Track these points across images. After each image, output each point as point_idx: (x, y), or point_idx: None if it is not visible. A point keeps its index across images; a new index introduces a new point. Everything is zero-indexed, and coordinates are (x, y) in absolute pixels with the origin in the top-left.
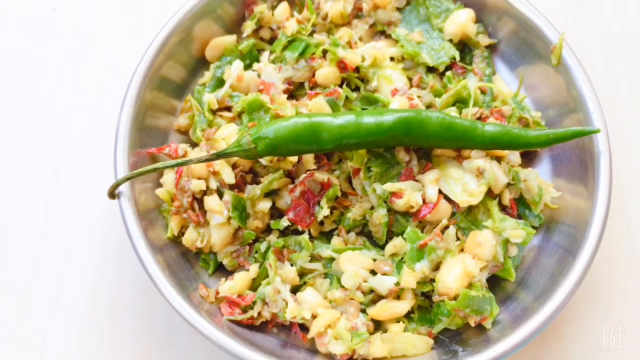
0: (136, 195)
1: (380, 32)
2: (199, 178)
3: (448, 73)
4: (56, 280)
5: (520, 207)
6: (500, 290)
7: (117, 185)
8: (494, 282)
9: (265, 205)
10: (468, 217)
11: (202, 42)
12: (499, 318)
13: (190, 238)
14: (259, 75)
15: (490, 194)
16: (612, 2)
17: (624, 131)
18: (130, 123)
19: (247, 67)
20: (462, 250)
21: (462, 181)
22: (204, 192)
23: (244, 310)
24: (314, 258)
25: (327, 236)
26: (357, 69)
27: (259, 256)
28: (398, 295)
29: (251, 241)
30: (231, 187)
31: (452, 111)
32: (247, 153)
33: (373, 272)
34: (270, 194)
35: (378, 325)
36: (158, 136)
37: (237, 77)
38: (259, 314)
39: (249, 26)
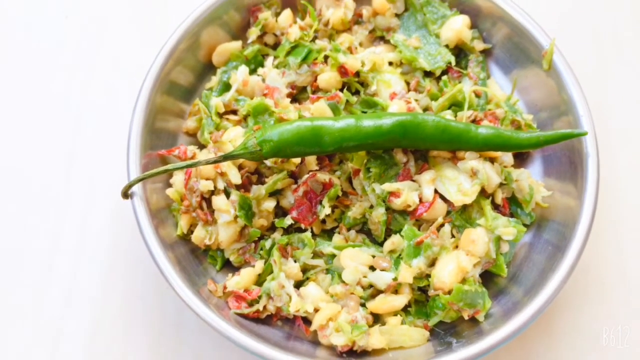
0: (148, 195)
1: (379, 37)
2: (207, 179)
3: (444, 77)
4: (69, 277)
5: (512, 205)
6: (493, 285)
7: (130, 185)
8: (487, 277)
9: (270, 204)
10: (462, 216)
11: (209, 48)
12: (492, 311)
13: (199, 236)
14: (263, 80)
15: (483, 193)
16: (603, 7)
17: (613, 133)
18: (142, 126)
19: (252, 72)
20: (456, 247)
21: (457, 181)
22: (212, 192)
23: (250, 304)
24: (316, 255)
25: (328, 234)
26: (357, 74)
27: (264, 253)
28: (396, 290)
29: (257, 239)
30: (237, 187)
31: (448, 114)
32: (252, 155)
33: (372, 268)
34: (275, 193)
35: (377, 318)
36: (167, 138)
37: (243, 82)
38: (265, 307)
39: (253, 32)
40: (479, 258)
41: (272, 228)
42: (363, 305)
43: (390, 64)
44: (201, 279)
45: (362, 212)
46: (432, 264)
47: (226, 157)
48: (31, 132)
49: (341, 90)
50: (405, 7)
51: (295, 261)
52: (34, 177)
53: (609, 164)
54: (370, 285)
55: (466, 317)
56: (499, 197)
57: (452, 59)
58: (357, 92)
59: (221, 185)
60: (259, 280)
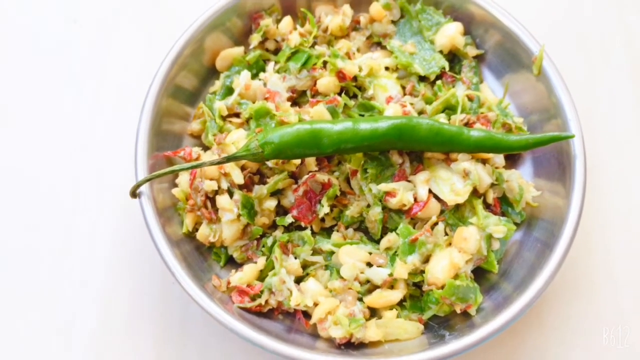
0: (155, 195)
1: (376, 43)
2: (211, 179)
3: (438, 82)
4: (80, 272)
5: (503, 205)
6: (484, 281)
7: (138, 185)
8: (479, 273)
9: (271, 203)
10: (455, 215)
11: (212, 53)
12: (483, 306)
13: (204, 233)
14: (265, 84)
15: (475, 193)
16: (592, 15)
17: (602, 137)
18: (149, 128)
19: (254, 76)
20: (449, 244)
21: (450, 182)
22: (216, 192)
23: (253, 299)
24: (315, 252)
25: (327, 232)
26: (354, 78)
27: (265, 250)
28: (392, 285)
29: (259, 236)
30: (240, 187)
31: (442, 117)
32: (255, 156)
33: (369, 265)
34: (276, 193)
35: (373, 312)
36: (173, 140)
37: (245, 86)
38: (266, 302)
39: (255, 38)
40: (471, 255)
41: (274, 226)
42: (360, 299)
43: (387, 69)
44: (206, 275)
45: (359, 211)
46: (426, 260)
47: (229, 159)
48: (43, 134)
49: (339, 94)
50: (401, 14)
51: (295, 258)
52: (46, 177)
53: (598, 167)
54: (367, 281)
55: (458, 311)
56: (491, 197)
57: (446, 64)
58: (354, 96)
59: (225, 185)
60: (261, 276)
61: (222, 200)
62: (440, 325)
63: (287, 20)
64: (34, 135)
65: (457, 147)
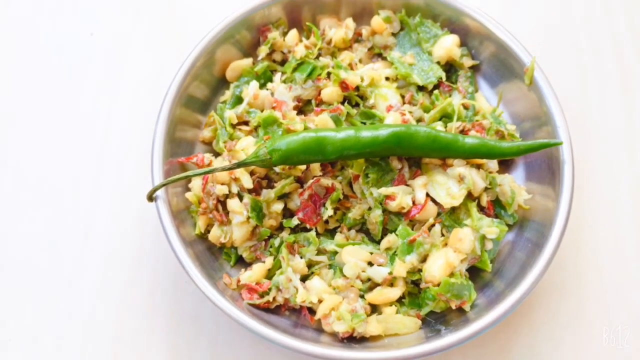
0: (170, 198)
1: (377, 54)
2: (223, 184)
3: (436, 91)
4: (99, 272)
5: (496, 207)
6: (478, 279)
7: (155, 190)
8: (474, 272)
9: (278, 206)
10: (451, 217)
11: (223, 65)
12: (477, 302)
13: (215, 235)
14: (272, 94)
15: (470, 196)
16: (584, 26)
17: (591, 143)
18: (164, 136)
19: (262, 86)
20: (445, 244)
21: (446, 186)
22: (227, 196)
23: (261, 296)
24: (320, 252)
25: (331, 233)
26: (357, 88)
27: (273, 250)
28: (391, 283)
29: (267, 237)
30: (250, 191)
31: (439, 125)
32: (263, 163)
33: (370, 264)
34: (283, 197)
35: (374, 308)
36: (186, 147)
37: (254, 96)
38: (274, 298)
39: (263, 50)
40: (466, 255)
41: (281, 228)
42: (362, 296)
43: (387, 79)
44: (217, 274)
45: (361, 214)
46: (423, 260)
47: (239, 165)
48: (63, 142)
49: (342, 103)
50: (401, 27)
51: (301, 257)
52: (67, 182)
53: (588, 170)
54: (369, 279)
55: (454, 307)
56: (484, 200)
57: (443, 75)
58: (357, 105)
59: (235, 189)
60: (269, 275)
61: (233, 203)
62: (436, 321)
63: (293, 33)
64: (56, 144)
65: (453, 153)
